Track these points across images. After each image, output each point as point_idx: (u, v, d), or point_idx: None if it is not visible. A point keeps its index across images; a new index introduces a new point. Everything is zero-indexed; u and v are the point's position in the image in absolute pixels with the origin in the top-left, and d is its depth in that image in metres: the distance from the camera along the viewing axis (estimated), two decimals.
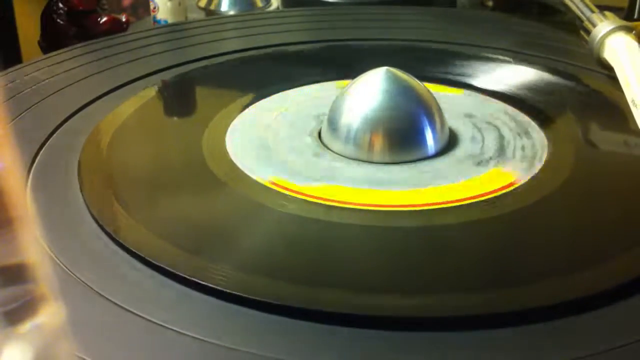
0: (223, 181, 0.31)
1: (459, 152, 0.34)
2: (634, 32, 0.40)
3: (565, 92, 0.40)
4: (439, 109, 0.34)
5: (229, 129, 0.36)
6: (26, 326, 0.16)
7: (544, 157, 0.33)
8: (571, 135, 0.35)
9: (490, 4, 0.63)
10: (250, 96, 0.40)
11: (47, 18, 0.54)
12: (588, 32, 0.42)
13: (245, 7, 0.64)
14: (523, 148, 0.33)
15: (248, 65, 0.45)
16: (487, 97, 0.39)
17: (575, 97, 0.40)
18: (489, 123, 0.36)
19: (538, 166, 0.32)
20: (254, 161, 0.33)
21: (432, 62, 0.43)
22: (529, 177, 0.31)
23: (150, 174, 0.33)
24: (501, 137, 0.34)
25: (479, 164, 0.32)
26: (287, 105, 0.39)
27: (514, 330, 0.22)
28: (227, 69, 0.44)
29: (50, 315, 0.16)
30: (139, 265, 0.25)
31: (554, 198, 0.30)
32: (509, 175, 0.31)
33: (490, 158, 0.33)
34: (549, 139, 0.34)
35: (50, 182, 0.31)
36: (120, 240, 0.26)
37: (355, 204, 0.29)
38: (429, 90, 0.35)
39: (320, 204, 0.29)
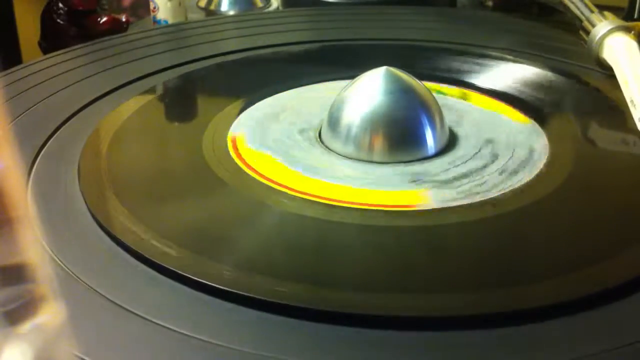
0: (224, 181, 0.31)
1: (416, 167, 0.33)
2: (632, 32, 0.40)
3: (565, 92, 0.40)
4: (439, 109, 0.35)
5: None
6: (26, 326, 0.16)
7: (489, 195, 0.30)
8: (570, 134, 0.35)
9: (490, 4, 0.63)
10: (250, 96, 0.40)
11: (47, 18, 0.54)
12: (587, 32, 0.42)
13: (245, 7, 0.64)
14: (481, 184, 0.31)
15: (248, 65, 0.45)
16: (537, 129, 0.36)
17: (574, 97, 0.40)
18: (495, 153, 0.34)
19: (462, 201, 0.30)
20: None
21: (432, 62, 0.44)
22: (434, 205, 0.29)
23: (151, 174, 0.33)
24: (481, 168, 0.32)
25: (415, 181, 0.31)
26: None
27: (513, 330, 0.22)
28: (227, 69, 0.44)
29: (50, 315, 0.16)
30: (139, 264, 0.25)
31: (554, 198, 0.30)
32: (422, 197, 0.30)
33: (434, 181, 0.31)
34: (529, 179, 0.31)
35: (50, 182, 0.31)
36: (121, 240, 0.26)
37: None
38: (428, 90, 0.35)
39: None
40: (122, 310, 0.23)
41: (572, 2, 0.44)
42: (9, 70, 0.42)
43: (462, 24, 0.52)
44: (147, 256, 0.25)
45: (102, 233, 0.27)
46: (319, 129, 0.36)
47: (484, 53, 0.44)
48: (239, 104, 0.39)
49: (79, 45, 0.47)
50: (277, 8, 0.64)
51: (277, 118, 0.37)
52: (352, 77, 0.36)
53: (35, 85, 0.40)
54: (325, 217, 0.29)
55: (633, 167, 0.33)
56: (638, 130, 0.34)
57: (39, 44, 0.55)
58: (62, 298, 0.17)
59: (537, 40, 0.47)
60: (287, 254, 0.27)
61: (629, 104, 0.36)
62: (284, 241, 0.28)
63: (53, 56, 0.45)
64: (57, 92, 0.40)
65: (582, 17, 0.43)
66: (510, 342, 0.22)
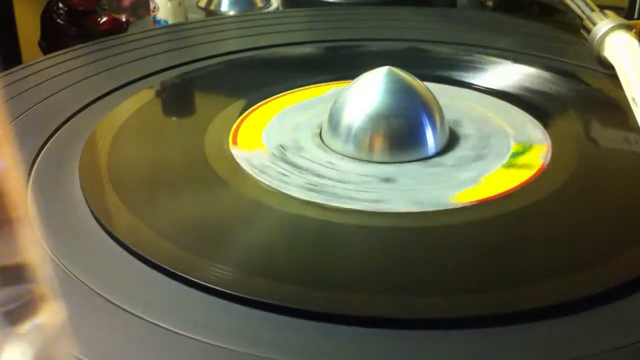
0: (224, 181, 0.31)
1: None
2: (634, 30, 0.40)
3: (566, 91, 0.40)
4: (440, 109, 0.34)
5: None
6: (26, 326, 0.16)
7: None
8: (572, 134, 0.35)
9: (490, 4, 0.63)
10: (250, 97, 0.40)
11: (47, 18, 0.54)
12: (588, 30, 0.42)
13: (245, 7, 0.64)
14: (316, 184, 0.30)
15: (248, 65, 0.45)
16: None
17: (575, 96, 0.40)
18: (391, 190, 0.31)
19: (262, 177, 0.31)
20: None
21: (432, 62, 0.43)
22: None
23: (151, 174, 0.33)
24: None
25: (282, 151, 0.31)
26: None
27: (513, 330, 0.22)
28: (228, 69, 0.44)
29: (50, 315, 0.16)
30: (139, 264, 0.25)
31: (555, 197, 0.30)
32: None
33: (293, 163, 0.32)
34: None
35: (51, 182, 0.31)
36: (121, 240, 0.26)
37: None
38: (429, 90, 0.35)
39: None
40: (121, 311, 0.23)
41: (573, 1, 0.44)
42: (9, 70, 0.42)
43: (462, 24, 0.52)
44: (147, 256, 0.25)
45: (102, 233, 0.27)
46: (319, 129, 0.36)
47: (484, 53, 0.44)
48: (239, 104, 0.39)
49: (79, 45, 0.47)
50: (277, 8, 0.64)
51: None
52: (352, 77, 0.36)
53: (35, 85, 0.40)
54: (324, 218, 0.29)
55: (635, 166, 0.33)
56: None
57: (39, 44, 0.55)
58: (62, 298, 0.17)
59: (537, 40, 0.47)
60: (287, 254, 0.27)
61: (631, 103, 0.36)
62: (284, 241, 0.28)
63: (53, 56, 0.45)
64: (57, 92, 0.40)
65: (583, 16, 0.43)
66: (510, 342, 0.22)
